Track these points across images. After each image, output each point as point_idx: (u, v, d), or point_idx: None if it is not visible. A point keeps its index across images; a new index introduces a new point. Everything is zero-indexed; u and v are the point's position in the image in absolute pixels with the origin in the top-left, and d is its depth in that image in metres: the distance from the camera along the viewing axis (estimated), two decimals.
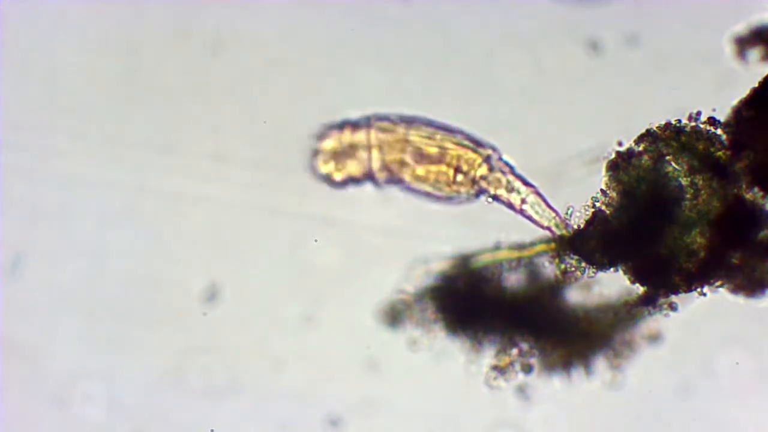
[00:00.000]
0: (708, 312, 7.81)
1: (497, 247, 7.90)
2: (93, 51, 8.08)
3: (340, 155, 7.94)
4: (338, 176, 7.96)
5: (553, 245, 7.81)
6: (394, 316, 7.94)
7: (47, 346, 8.03)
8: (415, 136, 7.92)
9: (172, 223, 8.03)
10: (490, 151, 7.90)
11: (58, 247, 8.05)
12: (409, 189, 7.96)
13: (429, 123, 7.95)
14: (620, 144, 7.76)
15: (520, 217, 7.89)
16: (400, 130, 7.93)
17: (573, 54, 7.99)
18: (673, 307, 7.78)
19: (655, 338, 7.88)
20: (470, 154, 7.91)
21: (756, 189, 7.66)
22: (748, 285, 7.70)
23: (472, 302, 7.90)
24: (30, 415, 8.03)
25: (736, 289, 7.71)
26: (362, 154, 7.92)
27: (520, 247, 7.89)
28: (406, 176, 7.94)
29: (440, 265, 7.94)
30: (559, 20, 7.98)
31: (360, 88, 8.03)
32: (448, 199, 7.92)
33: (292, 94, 8.05)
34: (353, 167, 7.94)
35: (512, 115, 7.94)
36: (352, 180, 7.97)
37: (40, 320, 8.04)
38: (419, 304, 7.93)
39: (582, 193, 7.77)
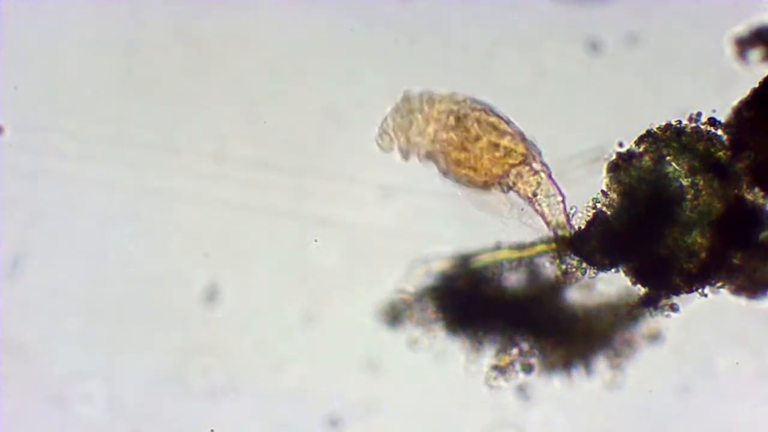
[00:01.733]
0: (708, 312, 7.81)
1: (497, 247, 7.90)
2: (93, 51, 8.08)
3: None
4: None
5: (553, 245, 7.81)
6: (394, 315, 7.94)
7: (47, 346, 8.03)
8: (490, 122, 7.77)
9: (172, 223, 8.02)
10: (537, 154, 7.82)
11: (58, 247, 8.04)
12: (449, 172, 7.82)
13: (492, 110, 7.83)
14: (621, 145, 7.76)
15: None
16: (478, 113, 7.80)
17: (573, 54, 7.99)
18: (674, 308, 7.78)
19: (655, 338, 7.88)
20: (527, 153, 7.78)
21: (756, 189, 7.66)
22: (750, 286, 7.70)
23: (472, 302, 7.90)
24: (29, 415, 8.02)
25: (737, 291, 7.71)
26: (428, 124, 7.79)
27: (521, 247, 7.89)
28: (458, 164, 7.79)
29: (440, 265, 7.94)
30: (559, 20, 7.98)
31: (360, 87, 8.03)
32: (482, 187, 7.79)
33: (292, 94, 8.04)
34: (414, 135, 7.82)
35: (512, 115, 7.93)
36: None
37: (40, 320, 8.03)
38: (419, 304, 7.93)
39: (583, 193, 7.77)
